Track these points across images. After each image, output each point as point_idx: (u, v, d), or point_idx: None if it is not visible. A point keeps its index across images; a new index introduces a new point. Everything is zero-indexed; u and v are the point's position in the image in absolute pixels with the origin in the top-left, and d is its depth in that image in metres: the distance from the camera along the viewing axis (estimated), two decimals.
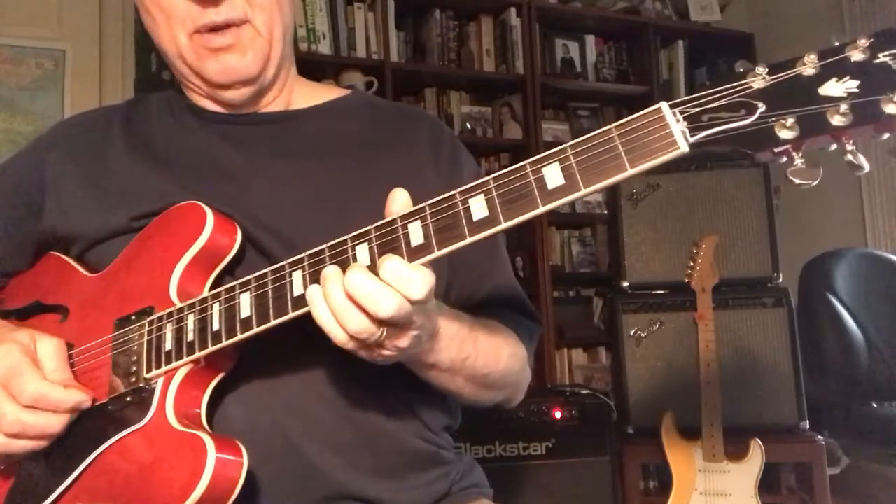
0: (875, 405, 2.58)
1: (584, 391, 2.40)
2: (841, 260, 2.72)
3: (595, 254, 3.69)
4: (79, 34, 3.13)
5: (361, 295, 0.65)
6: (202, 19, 0.88)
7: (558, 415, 2.23)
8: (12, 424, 0.77)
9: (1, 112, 3.01)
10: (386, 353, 0.71)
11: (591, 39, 3.82)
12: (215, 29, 0.89)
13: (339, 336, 0.68)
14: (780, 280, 2.28)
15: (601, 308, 3.62)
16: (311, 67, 3.06)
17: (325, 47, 3.15)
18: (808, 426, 2.17)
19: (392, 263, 0.66)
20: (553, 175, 0.64)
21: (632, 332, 2.29)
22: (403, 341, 0.71)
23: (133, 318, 0.84)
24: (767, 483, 2.19)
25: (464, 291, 0.97)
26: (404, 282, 0.66)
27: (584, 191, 0.63)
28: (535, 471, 2.20)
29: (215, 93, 0.95)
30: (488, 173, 0.68)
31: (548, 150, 0.65)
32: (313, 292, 0.68)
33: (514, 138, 3.48)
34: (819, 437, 2.20)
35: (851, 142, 0.60)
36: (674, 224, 2.32)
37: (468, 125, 3.50)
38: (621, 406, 2.28)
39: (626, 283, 2.34)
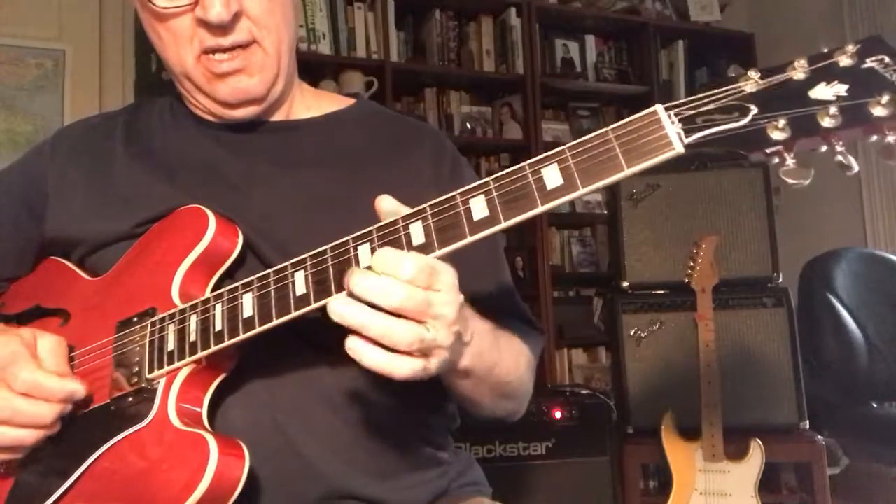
0: (875, 405, 2.58)
1: (584, 391, 2.40)
2: (841, 260, 2.72)
3: (595, 254, 3.69)
4: (79, 34, 3.13)
5: (369, 291, 0.65)
6: (208, 42, 0.88)
7: (558, 415, 2.23)
8: (2, 409, 0.77)
9: (1, 112, 3.01)
10: (436, 361, 0.69)
11: (591, 39, 3.82)
12: (222, 50, 0.89)
13: (400, 368, 0.67)
14: (780, 280, 2.27)
15: (601, 308, 3.63)
16: (311, 67, 3.06)
17: (325, 47, 3.15)
18: (808, 426, 2.17)
19: (380, 252, 0.67)
20: (552, 175, 0.65)
21: (632, 332, 2.29)
22: (444, 338, 0.69)
23: (135, 319, 0.84)
24: (767, 483, 2.18)
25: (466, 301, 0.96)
26: (392, 263, 0.65)
27: (581, 190, 0.65)
28: (535, 471, 2.20)
29: (222, 111, 0.95)
30: (488, 174, 0.69)
31: (548, 150, 0.67)
32: (353, 343, 0.66)
33: (514, 138, 3.48)
34: (819, 437, 2.20)
35: (841, 143, 0.62)
36: (674, 224, 2.32)
37: (468, 125, 3.49)
38: (621, 406, 2.27)
39: (626, 283, 2.33)
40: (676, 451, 2.13)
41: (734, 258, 2.27)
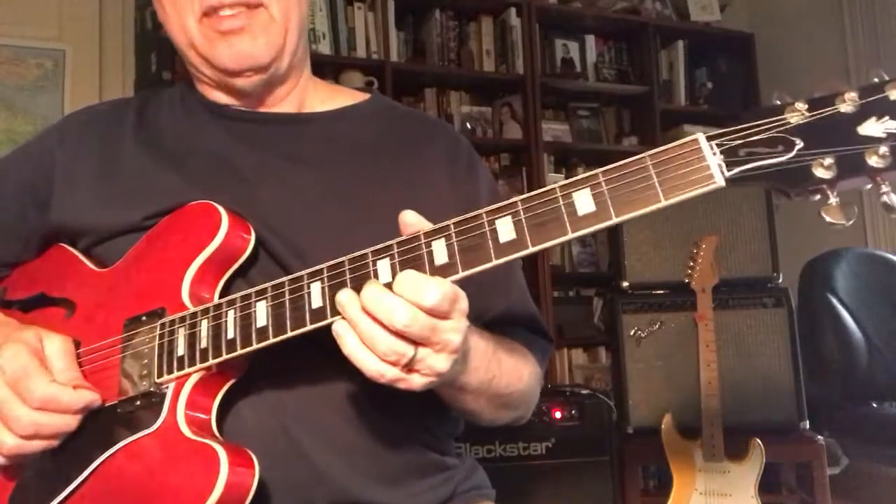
0: (875, 405, 2.58)
1: (584, 391, 2.39)
2: (841, 260, 2.73)
3: (595, 254, 3.69)
4: (79, 34, 3.13)
5: (377, 308, 0.65)
6: (210, 0, 0.88)
7: (558, 415, 2.23)
8: (27, 427, 0.77)
9: (1, 112, 3.01)
10: (421, 380, 0.69)
11: (591, 39, 3.81)
12: (226, 6, 0.88)
13: (370, 365, 0.66)
14: (780, 280, 2.28)
15: (601, 308, 3.62)
16: (311, 67, 3.05)
17: (325, 47, 3.15)
18: (808, 426, 2.17)
19: (405, 273, 0.66)
20: (584, 201, 0.62)
21: (632, 332, 2.29)
22: (440, 363, 0.68)
23: (144, 318, 0.83)
24: (767, 483, 2.19)
25: (477, 307, 0.95)
26: (415, 289, 0.65)
27: (615, 220, 0.61)
28: (535, 471, 2.20)
29: (226, 80, 0.93)
30: None
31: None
32: (341, 327, 0.67)
33: (514, 138, 3.47)
34: (819, 437, 2.20)
35: (887, 183, 0.58)
36: (674, 224, 2.32)
37: (468, 125, 3.49)
38: (621, 406, 2.27)
39: (626, 283, 2.33)
40: (676, 451, 2.13)
41: (734, 258, 2.27)
